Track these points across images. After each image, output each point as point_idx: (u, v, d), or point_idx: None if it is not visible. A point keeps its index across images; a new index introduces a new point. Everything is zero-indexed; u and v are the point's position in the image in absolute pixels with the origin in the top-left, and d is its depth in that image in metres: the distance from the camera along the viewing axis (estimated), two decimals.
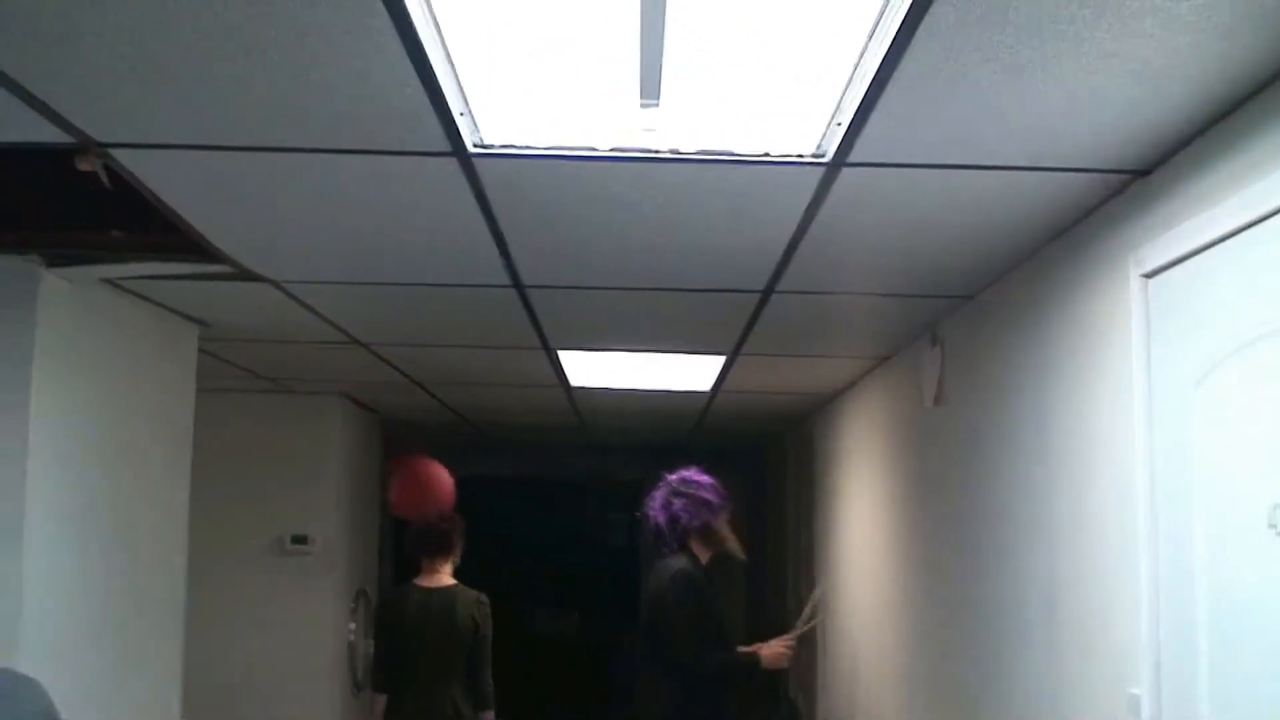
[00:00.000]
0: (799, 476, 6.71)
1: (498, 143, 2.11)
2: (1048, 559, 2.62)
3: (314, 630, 5.64)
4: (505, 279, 3.13)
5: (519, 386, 5.56)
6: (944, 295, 3.20)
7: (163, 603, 3.75)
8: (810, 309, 3.47)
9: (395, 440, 7.11)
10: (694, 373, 4.89)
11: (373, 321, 3.92)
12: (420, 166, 2.20)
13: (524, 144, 2.12)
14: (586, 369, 4.92)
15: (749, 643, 4.76)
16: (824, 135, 2.05)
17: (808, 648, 5.24)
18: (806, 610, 5.07)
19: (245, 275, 3.12)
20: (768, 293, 3.21)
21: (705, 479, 4.68)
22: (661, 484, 4.68)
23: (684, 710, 4.52)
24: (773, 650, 4.52)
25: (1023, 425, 2.80)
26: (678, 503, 4.57)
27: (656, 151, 2.12)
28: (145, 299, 3.55)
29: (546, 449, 9.58)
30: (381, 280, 3.20)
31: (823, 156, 2.12)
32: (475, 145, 2.11)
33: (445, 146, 2.09)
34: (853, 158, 2.10)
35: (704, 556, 4.56)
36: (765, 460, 8.49)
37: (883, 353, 4.25)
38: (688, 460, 4.73)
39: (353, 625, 5.95)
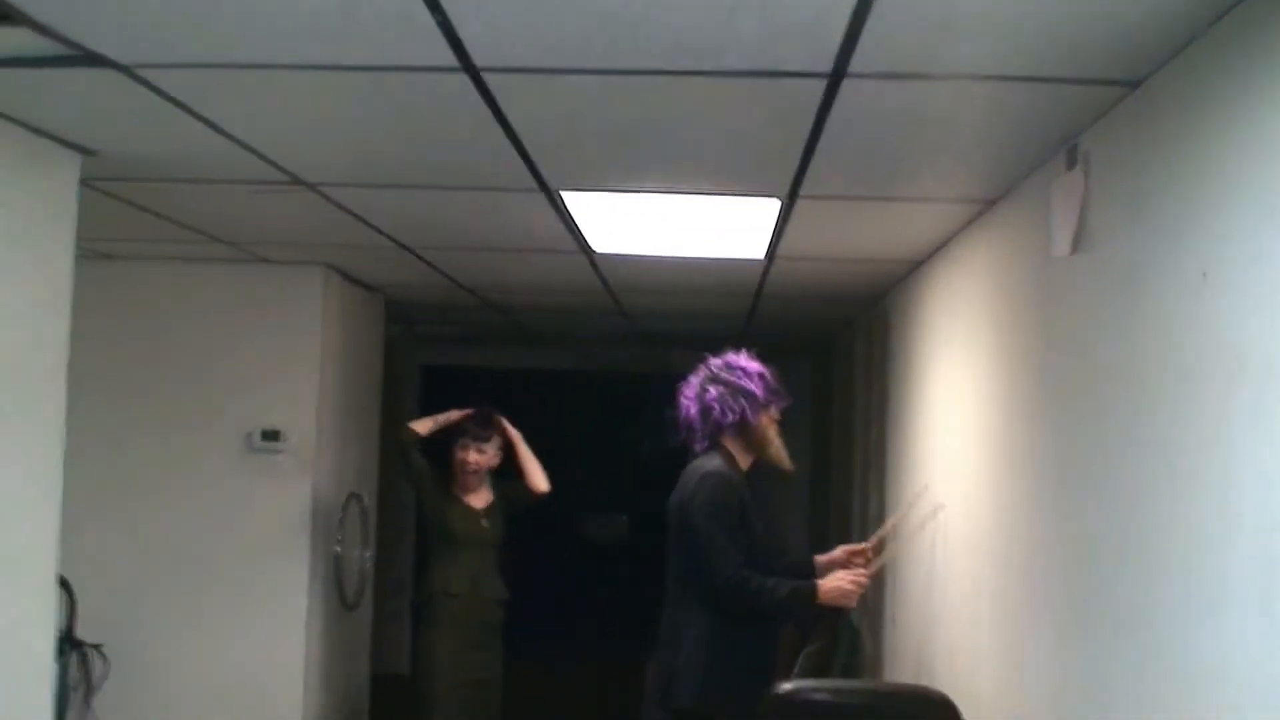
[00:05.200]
0: (870, 365, 5.68)
1: None
2: (1266, 486, 1.60)
3: (289, 539, 4.79)
4: (449, 56, 2.14)
5: (530, 252, 4.59)
6: (1097, 80, 2.13)
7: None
8: (895, 110, 2.42)
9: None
10: (742, 230, 3.87)
11: (299, 143, 2.95)
12: None
13: None
14: (606, 226, 3.93)
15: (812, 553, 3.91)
16: None
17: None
18: (884, 527, 4.11)
19: (76, 53, 2.16)
20: (837, 76, 2.17)
21: (753, 365, 3.79)
22: (700, 367, 3.84)
23: (718, 644, 3.64)
24: (837, 584, 3.55)
25: (1233, 266, 1.76)
26: (713, 391, 3.66)
27: None
28: None
29: (591, 341, 8.77)
30: (270, 61, 2.20)
31: None
32: None
33: None
34: None
35: (744, 461, 3.63)
36: (832, 353, 7.46)
37: (990, 193, 3.18)
38: (742, 347, 3.89)
39: (340, 535, 5.10)
